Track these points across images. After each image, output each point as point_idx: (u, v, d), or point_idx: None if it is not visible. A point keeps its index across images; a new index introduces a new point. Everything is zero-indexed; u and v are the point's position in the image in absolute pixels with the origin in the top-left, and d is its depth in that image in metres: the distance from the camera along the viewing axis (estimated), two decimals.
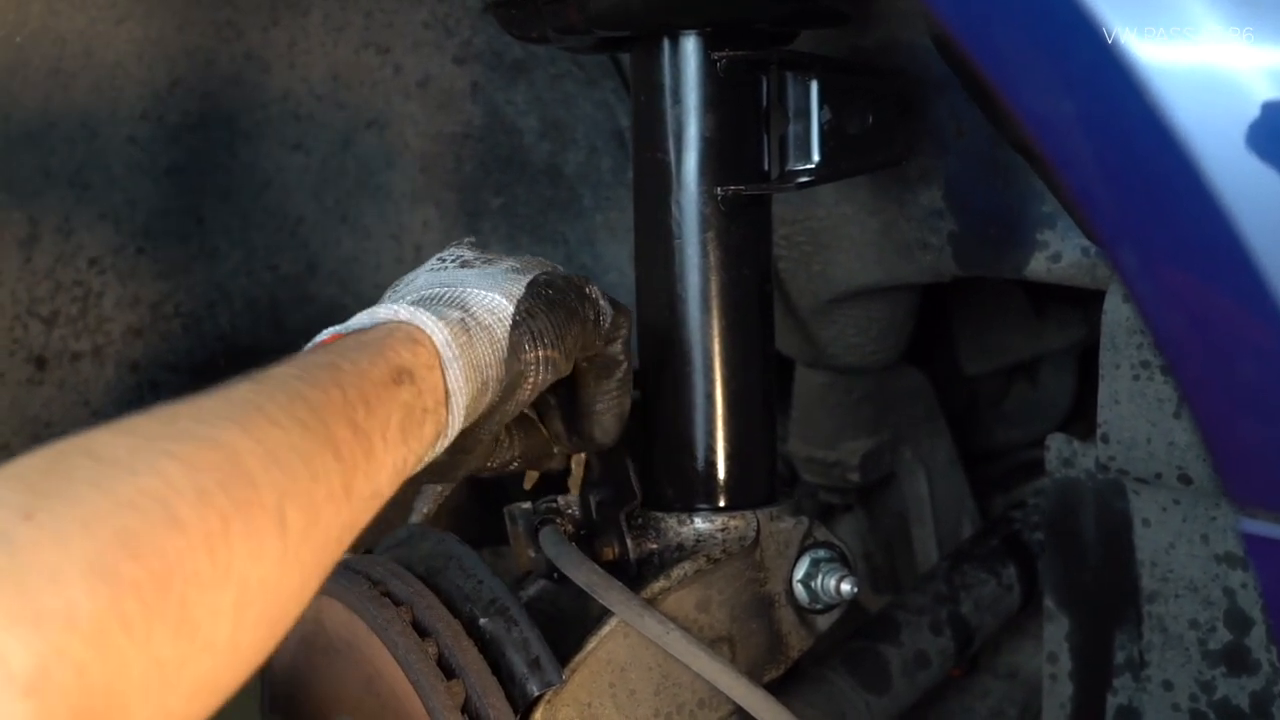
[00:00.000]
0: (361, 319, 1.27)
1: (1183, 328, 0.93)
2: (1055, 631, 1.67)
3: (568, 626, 1.45)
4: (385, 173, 2.06)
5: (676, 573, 1.44)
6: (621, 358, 1.42)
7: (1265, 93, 0.93)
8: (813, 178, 1.47)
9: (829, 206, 1.74)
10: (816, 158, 1.46)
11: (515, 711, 1.32)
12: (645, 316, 1.51)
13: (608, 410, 1.43)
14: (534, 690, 1.34)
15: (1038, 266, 1.60)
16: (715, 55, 1.44)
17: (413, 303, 1.29)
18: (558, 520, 1.49)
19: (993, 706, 1.99)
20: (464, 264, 1.37)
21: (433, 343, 1.24)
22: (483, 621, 1.36)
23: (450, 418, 1.24)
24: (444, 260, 1.39)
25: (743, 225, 1.48)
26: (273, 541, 1.00)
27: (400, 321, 1.25)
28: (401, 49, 1.98)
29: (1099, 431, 1.54)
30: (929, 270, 1.70)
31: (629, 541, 1.47)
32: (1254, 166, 0.91)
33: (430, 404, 1.22)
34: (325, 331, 1.27)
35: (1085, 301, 2.13)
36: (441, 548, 1.44)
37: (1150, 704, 1.60)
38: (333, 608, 1.39)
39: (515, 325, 1.30)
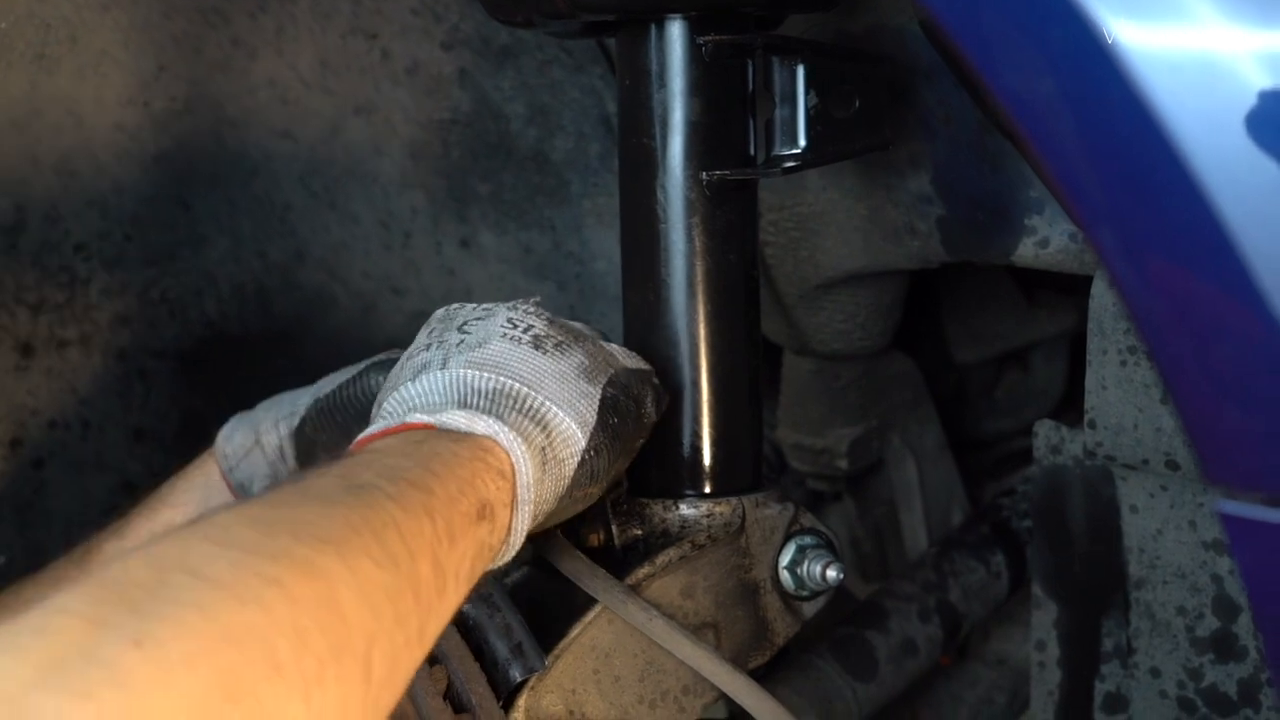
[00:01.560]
0: (457, 420, 1.24)
1: (1162, 310, 0.93)
2: (1043, 619, 1.67)
3: (553, 613, 1.45)
4: (373, 159, 2.05)
5: (661, 559, 1.43)
6: (648, 436, 1.43)
7: (1245, 74, 0.93)
8: (799, 163, 1.46)
9: (816, 192, 1.74)
10: (803, 143, 1.45)
11: (498, 697, 1.32)
12: (631, 302, 1.50)
13: (621, 463, 1.43)
14: (516, 676, 1.33)
15: (1025, 252, 1.60)
16: (700, 40, 1.44)
17: (492, 391, 1.28)
18: None
19: (981, 694, 1.99)
20: (536, 341, 1.34)
21: (515, 480, 1.23)
22: (466, 608, 1.36)
23: (504, 553, 1.23)
24: (515, 325, 1.36)
25: (728, 210, 1.47)
26: (359, 689, 0.97)
27: (495, 443, 1.23)
28: (389, 35, 1.97)
29: (1086, 417, 1.54)
30: (917, 256, 1.70)
31: (614, 528, 1.47)
32: (1234, 148, 0.91)
33: (496, 542, 1.21)
34: (415, 415, 1.25)
35: (1077, 289, 2.12)
36: None
37: (1138, 691, 1.60)
38: None
39: (581, 464, 1.31)
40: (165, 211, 1.99)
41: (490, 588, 1.37)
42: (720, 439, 1.49)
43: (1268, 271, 0.89)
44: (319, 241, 2.09)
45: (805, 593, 1.51)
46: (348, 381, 1.56)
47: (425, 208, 2.08)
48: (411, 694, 1.30)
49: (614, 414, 1.34)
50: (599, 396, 1.33)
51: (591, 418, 1.31)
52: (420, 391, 1.29)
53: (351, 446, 1.24)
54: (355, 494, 1.06)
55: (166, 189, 1.98)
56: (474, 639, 1.34)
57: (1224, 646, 1.53)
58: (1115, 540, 1.58)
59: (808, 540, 1.51)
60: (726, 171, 1.46)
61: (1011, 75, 0.95)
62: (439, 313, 1.42)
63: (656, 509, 1.48)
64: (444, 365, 1.31)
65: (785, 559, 1.50)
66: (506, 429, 1.24)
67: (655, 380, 1.43)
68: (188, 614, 0.89)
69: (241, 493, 1.58)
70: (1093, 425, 1.54)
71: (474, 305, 1.41)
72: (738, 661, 1.46)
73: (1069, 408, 2.32)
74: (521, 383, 1.30)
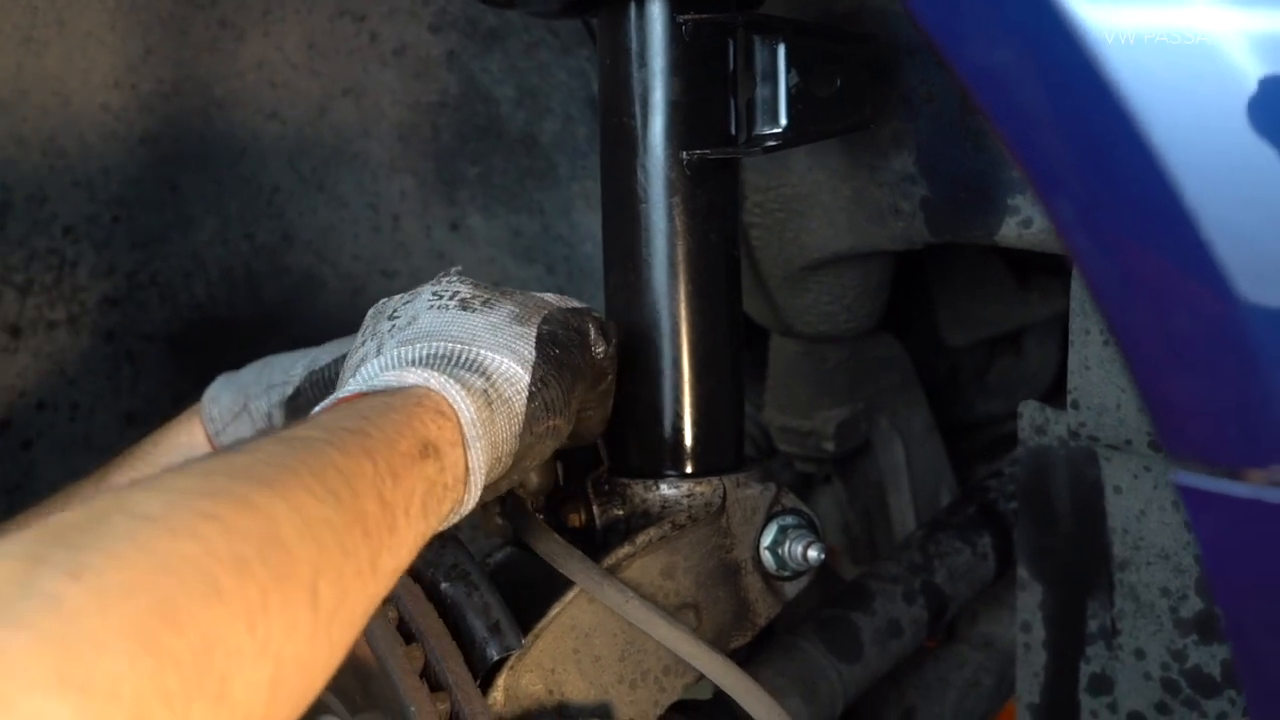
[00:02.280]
0: (388, 378, 1.26)
1: (1118, 281, 0.93)
2: (1028, 600, 1.66)
3: (535, 593, 1.45)
4: (362, 141, 2.05)
5: (641, 539, 1.43)
6: (608, 369, 1.43)
7: (1200, 43, 0.93)
8: (780, 142, 1.45)
9: (801, 173, 1.73)
10: (784, 122, 1.45)
11: (475, 676, 1.32)
12: (612, 281, 1.50)
13: (595, 413, 1.44)
14: (493, 655, 1.33)
15: (1009, 232, 1.60)
16: (681, 19, 1.43)
17: (426, 357, 1.29)
18: (522, 488, 1.48)
19: (969, 676, 1.99)
20: (463, 304, 1.36)
21: (458, 419, 1.24)
22: (444, 586, 1.36)
23: (467, 495, 1.23)
24: (440, 296, 1.38)
25: (709, 190, 1.47)
26: (306, 616, 0.98)
27: (429, 390, 1.24)
28: (377, 17, 1.97)
29: (1069, 398, 1.54)
30: (901, 237, 1.69)
31: (595, 508, 1.47)
32: (1191, 119, 0.91)
33: (450, 481, 1.21)
34: (349, 387, 1.26)
35: (1069, 272, 2.12)
36: None
37: (1123, 672, 1.60)
38: None
39: (531, 398, 1.31)
40: (153, 193, 1.99)
41: (469, 566, 1.37)
42: (701, 419, 1.48)
43: (1223, 242, 0.89)
44: (307, 224, 2.09)
45: (787, 573, 1.51)
46: (345, 354, 1.56)
47: (414, 190, 2.08)
48: (388, 672, 1.30)
49: (553, 345, 1.34)
50: (534, 334, 1.34)
51: (530, 354, 1.32)
52: (359, 381, 1.30)
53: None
54: (290, 443, 1.08)
55: (154, 171, 1.98)
56: (452, 617, 1.34)
57: (1207, 628, 1.52)
58: (1099, 521, 1.57)
59: (789, 520, 1.51)
60: (707, 151, 1.45)
61: (969, 46, 0.94)
62: (371, 310, 1.43)
63: (637, 489, 1.48)
64: (379, 352, 1.32)
65: (767, 539, 1.50)
66: (438, 374, 1.25)
67: (596, 314, 1.43)
68: (124, 547, 0.90)
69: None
70: (1076, 406, 1.54)
71: (401, 294, 1.42)
72: (719, 642, 1.46)
73: (1062, 390, 2.32)
74: (454, 341, 1.31)
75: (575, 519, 1.47)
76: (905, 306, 2.10)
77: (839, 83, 1.48)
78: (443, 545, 1.39)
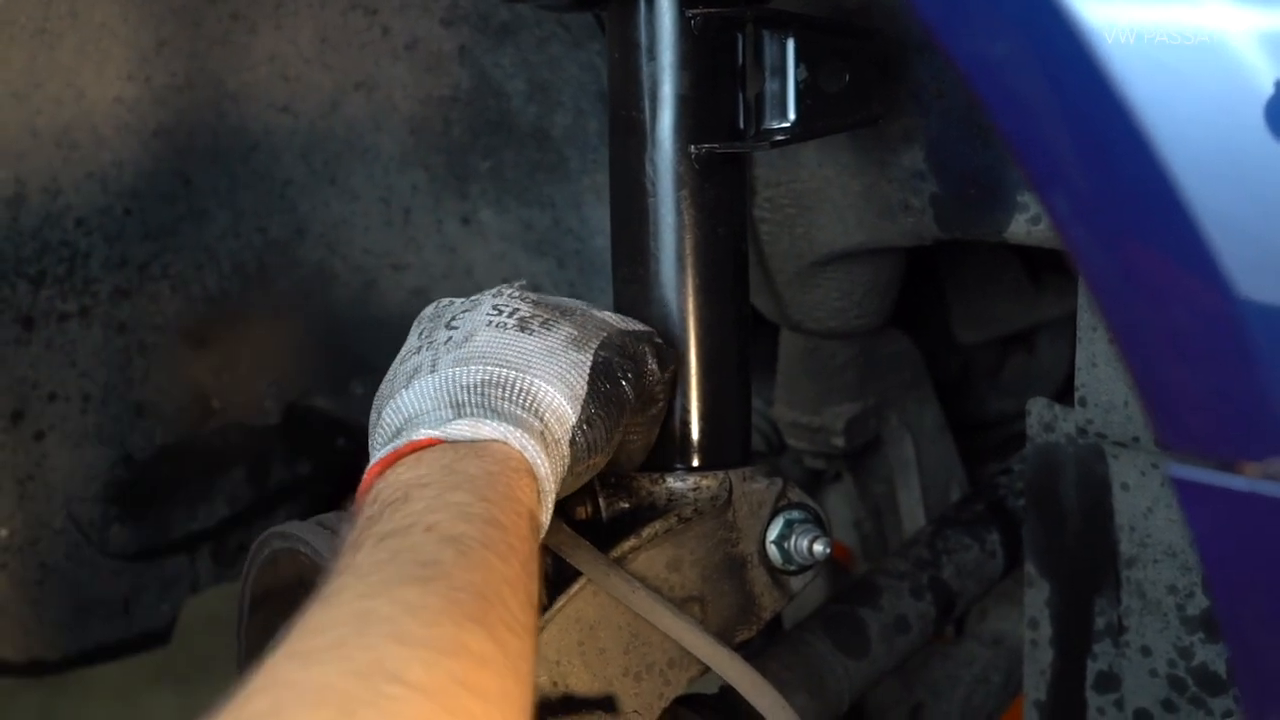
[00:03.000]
0: (463, 430, 1.25)
1: (1109, 270, 0.93)
2: (1036, 597, 1.67)
3: (543, 585, 1.45)
4: (373, 135, 2.05)
5: (647, 531, 1.44)
6: (660, 396, 1.44)
7: (1200, 39, 0.93)
8: (788, 136, 1.46)
9: (811, 168, 1.73)
10: (792, 116, 1.45)
11: None
12: (620, 275, 1.51)
13: (639, 438, 1.45)
14: None
15: (1018, 229, 1.60)
16: (690, 13, 1.44)
17: (480, 384, 1.30)
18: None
19: (978, 673, 1.99)
20: (522, 323, 1.36)
21: (535, 475, 1.25)
22: None
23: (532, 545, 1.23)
24: (500, 311, 1.37)
25: (717, 184, 1.47)
26: None
27: (509, 447, 1.25)
28: (389, 11, 1.98)
29: (1076, 395, 1.54)
30: (911, 233, 1.70)
31: (601, 500, 1.47)
32: (1185, 111, 0.91)
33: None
34: (422, 431, 1.25)
35: None
36: None
37: (1129, 670, 1.60)
38: (303, 564, 1.39)
39: (573, 440, 1.31)
40: (165, 186, 1.99)
41: None
42: (708, 412, 1.49)
43: (1221, 236, 0.89)
44: (319, 217, 2.09)
45: (792, 567, 1.51)
46: None
47: (426, 184, 2.08)
48: None
49: (606, 379, 1.34)
50: (589, 363, 1.34)
51: (582, 388, 1.32)
52: (414, 399, 1.30)
53: (368, 472, 1.26)
54: (460, 553, 1.09)
55: (167, 163, 1.98)
56: None
57: (1214, 625, 1.52)
58: (1107, 519, 1.57)
59: (795, 515, 1.51)
60: (715, 145, 1.46)
61: (968, 39, 0.95)
62: (428, 310, 1.43)
63: (644, 482, 1.48)
64: (434, 368, 1.32)
65: (773, 533, 1.50)
66: (510, 427, 1.25)
67: (657, 339, 1.43)
68: None
69: None
70: (1083, 403, 1.54)
71: (462, 299, 1.42)
72: (724, 636, 1.47)
73: (1074, 389, 2.31)
74: (509, 367, 1.31)
75: (582, 511, 1.47)
76: (918, 303, 2.10)
77: (847, 78, 1.48)
78: None
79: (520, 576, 1.12)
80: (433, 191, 2.08)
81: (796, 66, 1.44)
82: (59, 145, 1.91)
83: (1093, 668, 1.63)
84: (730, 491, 1.48)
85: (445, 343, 1.35)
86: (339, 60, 2.00)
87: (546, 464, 1.26)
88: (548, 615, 1.38)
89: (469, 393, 1.29)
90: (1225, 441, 0.93)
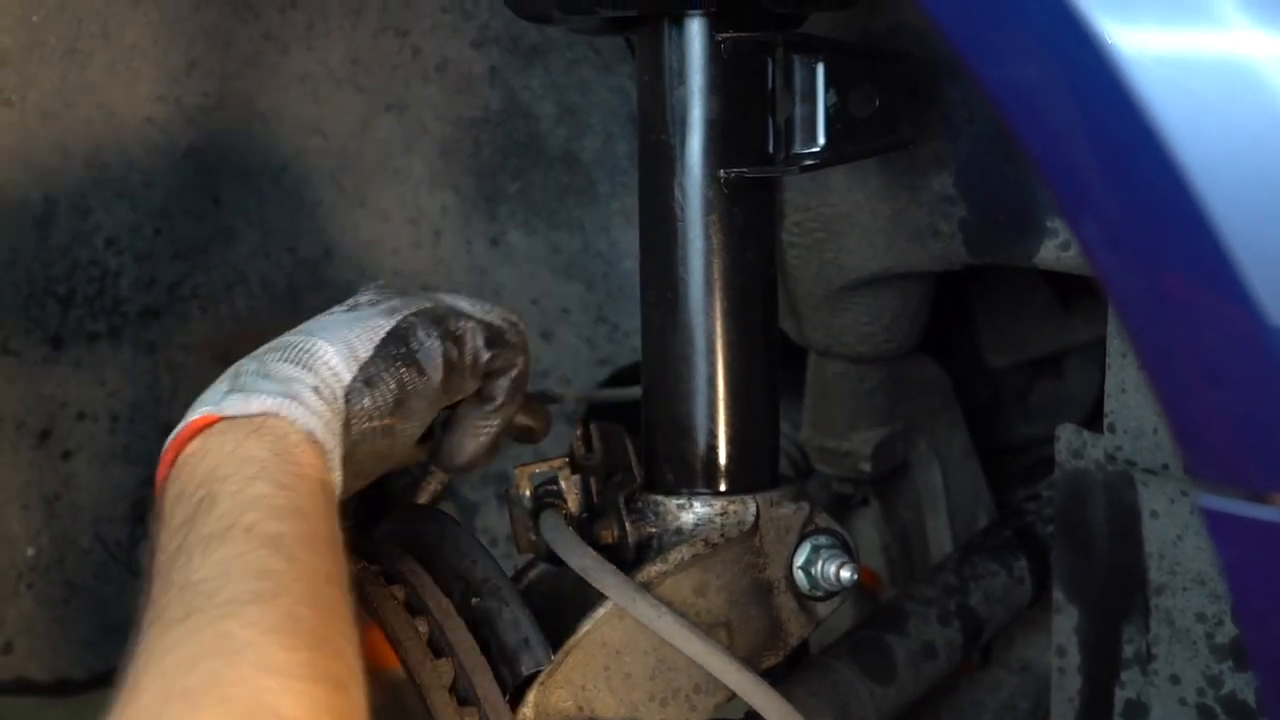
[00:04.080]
0: (234, 404, 1.28)
1: (1140, 299, 0.93)
2: (1064, 624, 1.66)
3: (568, 609, 1.45)
4: (403, 156, 2.06)
5: (674, 556, 1.43)
6: (496, 395, 1.44)
7: (1229, 64, 0.92)
8: (817, 161, 1.45)
9: (841, 193, 1.73)
10: (821, 141, 1.44)
11: (504, 691, 1.32)
12: (648, 298, 1.50)
13: (465, 437, 1.46)
14: (522, 670, 1.33)
15: (1047, 254, 1.59)
16: (720, 37, 1.43)
17: (260, 355, 1.33)
18: (558, 504, 1.48)
19: (1005, 700, 1.98)
20: (354, 304, 1.39)
21: (316, 441, 1.27)
22: (475, 601, 1.36)
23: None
24: (351, 299, 1.41)
25: (746, 208, 1.47)
26: None
27: (285, 423, 1.26)
28: (420, 32, 1.98)
29: (1105, 421, 1.53)
30: (940, 258, 1.69)
31: (628, 525, 1.46)
32: (1215, 136, 0.91)
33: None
34: (200, 410, 1.29)
35: None
36: (437, 528, 1.44)
37: (1158, 698, 1.59)
38: None
39: (350, 399, 1.31)
40: (195, 206, 2.00)
41: (500, 582, 1.38)
42: (735, 437, 1.48)
43: (1251, 263, 0.88)
44: (349, 238, 2.09)
45: (820, 593, 1.51)
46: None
47: (455, 206, 2.09)
48: (419, 686, 1.30)
49: (399, 343, 1.34)
50: (388, 327, 1.34)
51: (365, 350, 1.32)
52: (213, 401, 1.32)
53: (163, 459, 1.29)
54: (288, 560, 1.13)
55: (197, 183, 1.99)
56: (481, 633, 1.35)
57: (1243, 654, 1.51)
58: (1136, 546, 1.56)
59: (823, 540, 1.50)
60: (745, 169, 1.45)
61: (996, 62, 0.94)
62: None
63: (670, 506, 1.48)
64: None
65: (800, 559, 1.50)
66: (279, 396, 1.27)
67: (510, 332, 1.44)
68: None
69: None
70: (1112, 429, 1.53)
71: None
72: (750, 661, 1.46)
73: (1102, 414, 2.30)
74: (300, 334, 1.34)
75: (608, 535, 1.47)
76: (947, 328, 2.10)
77: (877, 102, 1.47)
78: (474, 561, 1.39)
79: (334, 565, 1.16)
80: (462, 213, 2.08)
81: (826, 91, 1.44)
82: (89, 165, 1.91)
83: (1121, 695, 1.62)
84: (757, 516, 1.47)
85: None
86: (370, 81, 2.00)
87: (324, 422, 1.27)
88: (573, 640, 1.38)
89: (251, 361, 1.32)
90: (1255, 472, 0.92)
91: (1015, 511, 1.91)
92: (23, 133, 1.87)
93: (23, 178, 1.89)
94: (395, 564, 1.38)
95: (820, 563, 1.50)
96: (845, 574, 1.49)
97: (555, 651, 1.36)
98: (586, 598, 1.42)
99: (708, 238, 1.46)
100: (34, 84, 1.84)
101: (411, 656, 1.30)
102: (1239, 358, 0.91)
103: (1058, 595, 1.66)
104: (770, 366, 1.51)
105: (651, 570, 1.42)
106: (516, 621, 1.35)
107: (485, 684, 1.31)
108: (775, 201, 1.51)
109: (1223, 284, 0.88)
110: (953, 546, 2.06)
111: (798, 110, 1.45)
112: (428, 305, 1.39)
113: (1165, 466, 1.49)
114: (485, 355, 1.41)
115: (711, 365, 1.47)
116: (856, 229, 1.74)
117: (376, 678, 1.34)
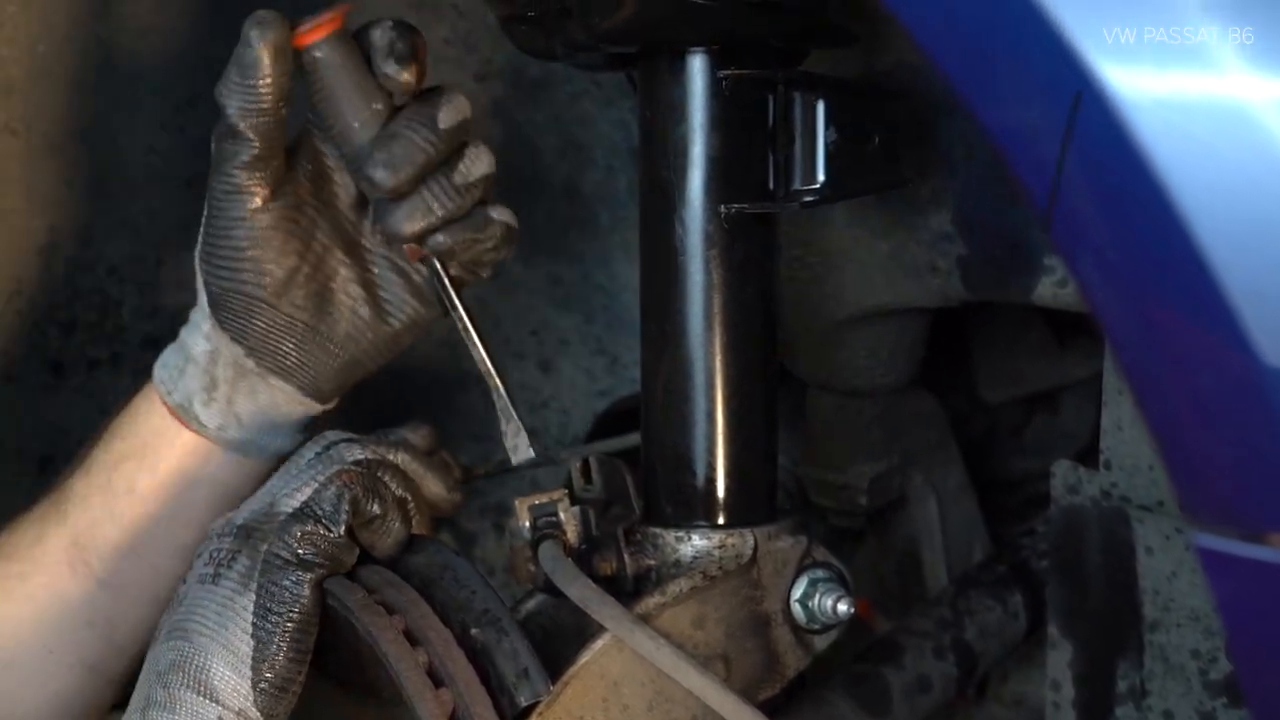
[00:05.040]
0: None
1: (1136, 339, 0.94)
2: (1058, 659, 1.66)
3: (566, 641, 1.46)
4: None
5: (672, 589, 1.44)
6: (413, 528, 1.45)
7: (1229, 108, 0.93)
8: (818, 198, 1.47)
9: (840, 228, 1.74)
10: (821, 178, 1.46)
11: None
12: (648, 333, 1.51)
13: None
14: (522, 701, 1.34)
15: (1044, 291, 1.60)
16: (721, 74, 1.45)
17: (166, 671, 1.36)
18: (557, 535, 1.49)
19: None
20: (216, 569, 1.39)
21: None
22: (474, 631, 1.37)
23: None
24: (207, 555, 1.42)
25: (746, 244, 1.48)
26: None
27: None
28: None
29: (1101, 458, 1.54)
30: (937, 294, 1.70)
31: (626, 557, 1.47)
32: (1214, 180, 0.92)
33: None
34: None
35: None
36: (438, 558, 1.44)
37: None
38: (329, 614, 1.39)
39: (259, 700, 1.34)
40: (197, 236, 2.00)
41: (499, 612, 1.38)
42: (734, 471, 1.49)
43: (1248, 305, 0.89)
44: None
45: (817, 626, 1.51)
46: None
47: None
48: (417, 716, 1.31)
49: (272, 610, 1.34)
50: (251, 606, 1.35)
51: (246, 645, 1.34)
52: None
53: None
54: None
55: (199, 213, 1.99)
56: (481, 663, 1.35)
57: (1237, 691, 1.52)
58: (1131, 582, 1.57)
59: (820, 574, 1.51)
60: (745, 205, 1.46)
61: (997, 105, 0.96)
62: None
63: (669, 539, 1.49)
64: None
65: (797, 592, 1.51)
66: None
67: (391, 456, 1.54)
68: None
69: (182, 414, 1.60)
70: (1108, 466, 1.54)
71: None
72: (748, 693, 1.47)
73: (1097, 450, 2.31)
74: (188, 639, 1.36)
75: (606, 567, 1.48)
76: (943, 362, 2.10)
77: (877, 140, 1.49)
78: (474, 592, 1.40)
79: None
80: None
81: (827, 128, 1.45)
82: (92, 194, 1.92)
83: None
84: (755, 549, 1.48)
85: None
86: None
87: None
88: (571, 671, 1.38)
89: (160, 682, 1.35)
90: (1251, 512, 0.93)
91: (1010, 546, 1.92)
92: (27, 161, 1.88)
93: (26, 206, 1.90)
94: (395, 594, 1.38)
95: (817, 596, 1.50)
96: (842, 607, 1.50)
97: (554, 682, 1.36)
98: (585, 629, 1.43)
99: (708, 272, 1.47)
100: (39, 113, 1.85)
101: (411, 686, 1.31)
102: (1235, 398, 0.92)
103: (1052, 630, 1.67)
104: (769, 401, 1.52)
105: (650, 602, 1.43)
106: (516, 652, 1.35)
107: (485, 715, 1.31)
108: (775, 237, 1.52)
109: (1219, 325, 0.90)
110: (948, 580, 2.07)
111: (798, 147, 1.46)
112: (267, 543, 1.37)
113: (1160, 503, 1.50)
114: (393, 508, 1.41)
115: (711, 399, 1.48)
116: (854, 265, 1.75)
117: (373, 709, 1.35)
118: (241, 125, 1.47)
